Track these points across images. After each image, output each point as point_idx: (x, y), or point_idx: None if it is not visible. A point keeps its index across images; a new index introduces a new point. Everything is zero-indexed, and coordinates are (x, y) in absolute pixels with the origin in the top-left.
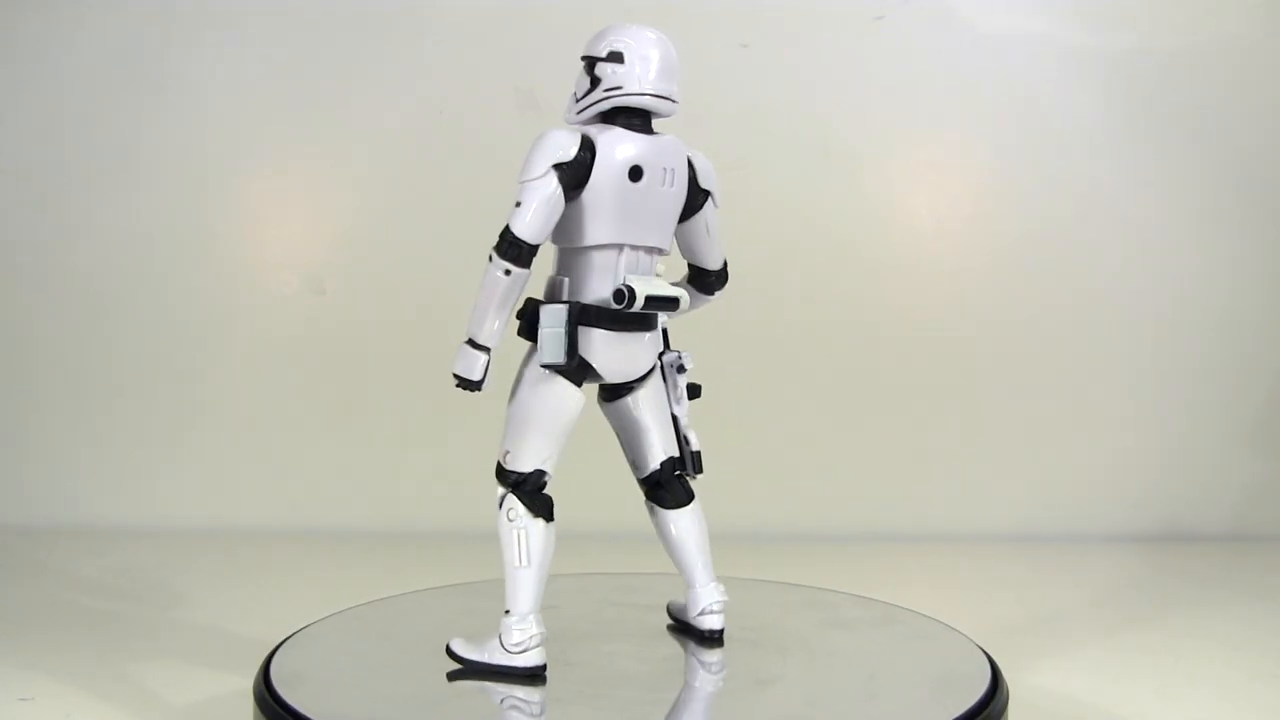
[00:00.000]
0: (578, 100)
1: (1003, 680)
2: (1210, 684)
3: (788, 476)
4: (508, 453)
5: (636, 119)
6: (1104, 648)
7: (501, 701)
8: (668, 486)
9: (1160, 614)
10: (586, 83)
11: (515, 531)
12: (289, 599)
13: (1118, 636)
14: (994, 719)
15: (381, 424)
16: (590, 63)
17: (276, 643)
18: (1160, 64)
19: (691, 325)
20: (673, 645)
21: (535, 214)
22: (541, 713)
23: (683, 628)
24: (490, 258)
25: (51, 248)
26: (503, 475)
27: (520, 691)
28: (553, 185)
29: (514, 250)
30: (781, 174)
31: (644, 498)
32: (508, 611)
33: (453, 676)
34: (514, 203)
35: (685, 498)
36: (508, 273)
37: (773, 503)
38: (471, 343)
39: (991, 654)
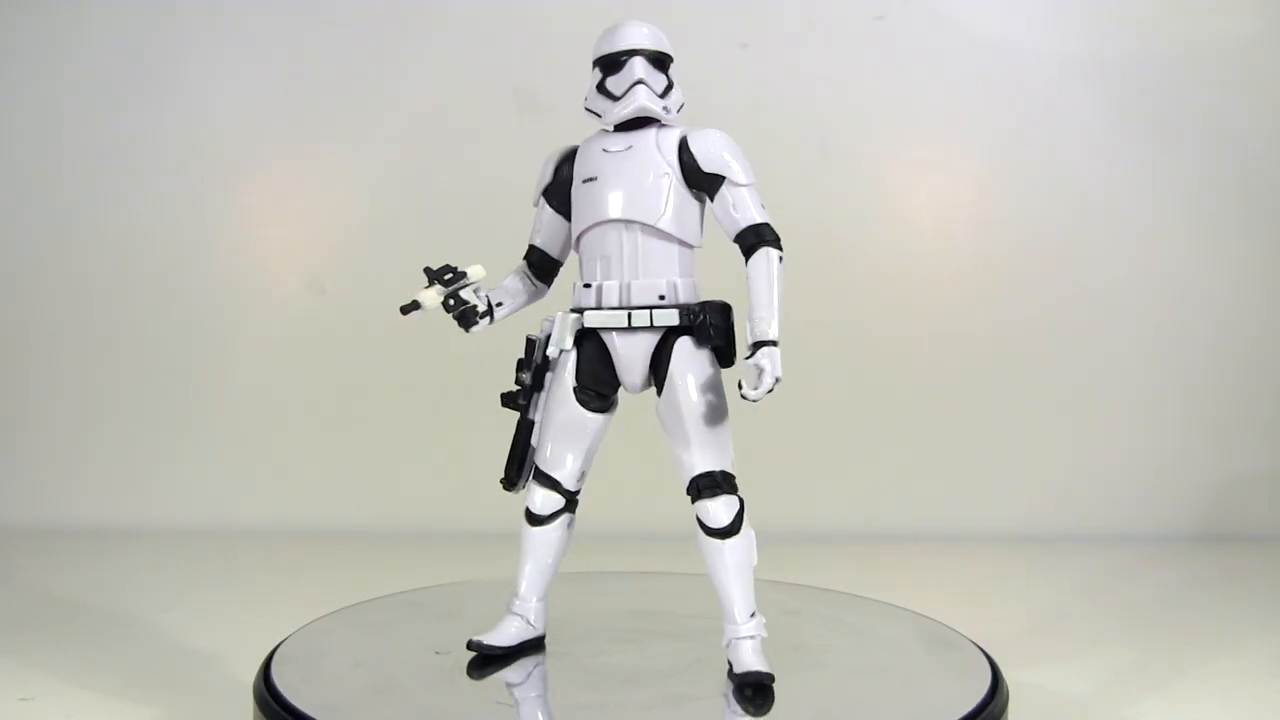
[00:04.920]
0: (667, 96)
1: (1003, 680)
2: (1210, 684)
3: (787, 476)
4: (730, 461)
5: None
6: (1104, 648)
7: (505, 698)
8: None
9: (1160, 614)
10: (664, 80)
11: (752, 534)
12: (289, 599)
13: (1118, 636)
14: (994, 719)
15: (381, 424)
16: (670, 62)
17: (276, 643)
18: (1160, 64)
19: None
20: (672, 646)
21: None
22: (543, 710)
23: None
24: (780, 259)
25: (51, 247)
26: (734, 486)
27: (519, 690)
28: None
29: None
30: (781, 174)
31: (563, 507)
32: (754, 614)
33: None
34: (760, 205)
35: None
36: None
37: (772, 503)
38: (776, 344)
39: (991, 654)
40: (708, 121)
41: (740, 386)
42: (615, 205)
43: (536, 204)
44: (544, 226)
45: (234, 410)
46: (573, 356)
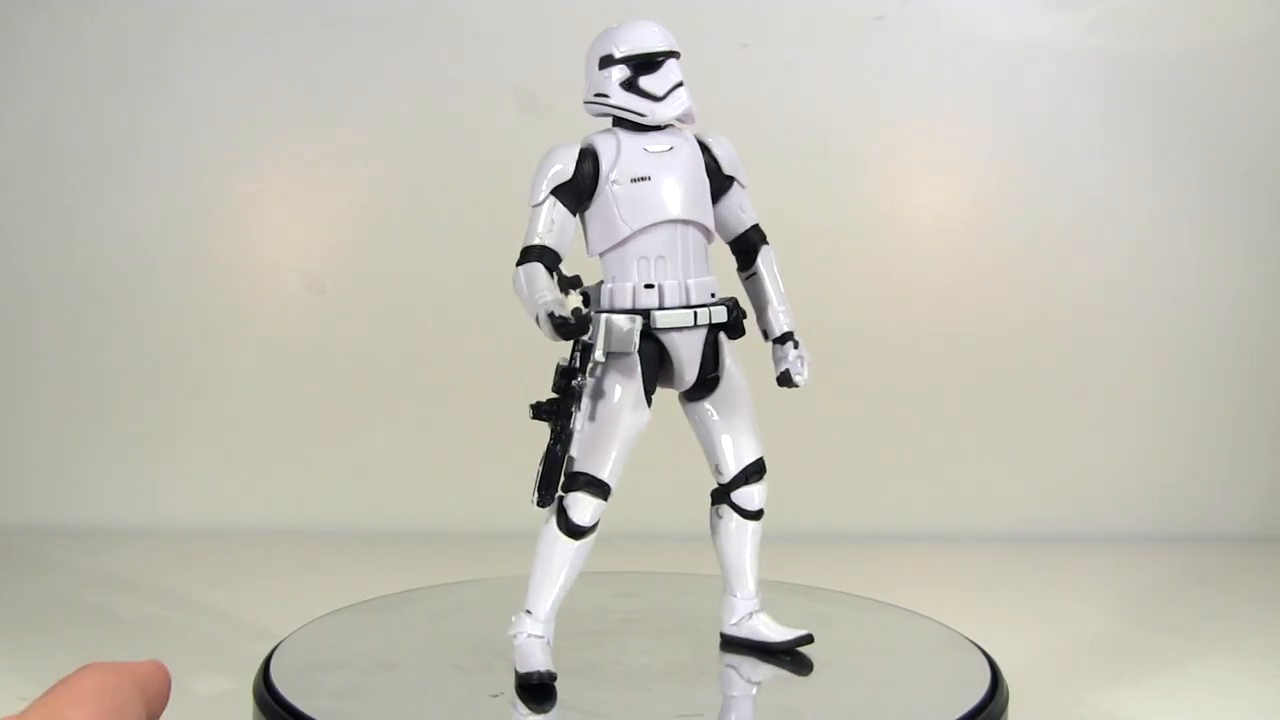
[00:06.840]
0: None
1: (1003, 680)
2: (1210, 684)
3: (786, 476)
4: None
5: None
6: (1104, 647)
7: (501, 696)
8: None
9: (1161, 614)
10: None
11: None
12: (289, 599)
13: (1118, 636)
14: (994, 719)
15: (381, 424)
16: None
17: (276, 643)
18: (1161, 64)
19: None
20: (677, 645)
21: None
22: (543, 711)
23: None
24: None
25: (51, 247)
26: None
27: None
28: None
29: None
30: (781, 174)
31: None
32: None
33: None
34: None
35: None
36: None
37: (771, 503)
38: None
39: (991, 654)
40: (708, 122)
41: (788, 377)
42: (679, 205)
43: (540, 203)
44: (555, 225)
45: (234, 410)
46: (637, 359)
